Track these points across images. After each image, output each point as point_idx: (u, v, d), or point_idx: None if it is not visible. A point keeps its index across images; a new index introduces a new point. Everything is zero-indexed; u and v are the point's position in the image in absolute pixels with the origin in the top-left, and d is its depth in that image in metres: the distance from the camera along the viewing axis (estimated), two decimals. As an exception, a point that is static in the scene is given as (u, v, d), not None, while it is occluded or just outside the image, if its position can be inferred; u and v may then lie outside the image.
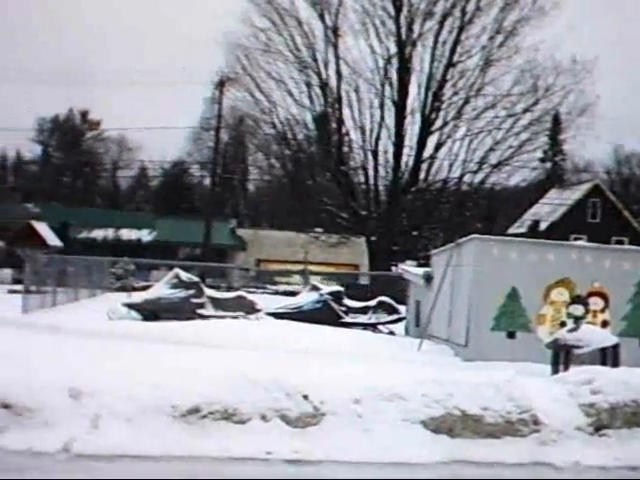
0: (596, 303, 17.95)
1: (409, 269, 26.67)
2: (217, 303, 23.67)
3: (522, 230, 63.21)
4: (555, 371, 13.30)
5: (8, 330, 16.11)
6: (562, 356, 13.63)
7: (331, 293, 24.70)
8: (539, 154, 56.74)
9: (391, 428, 9.21)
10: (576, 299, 17.20)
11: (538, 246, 19.93)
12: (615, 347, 13.65)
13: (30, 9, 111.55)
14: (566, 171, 78.33)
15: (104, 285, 37.82)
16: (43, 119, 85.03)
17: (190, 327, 19.77)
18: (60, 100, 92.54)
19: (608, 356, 13.46)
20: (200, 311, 22.97)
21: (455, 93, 44.99)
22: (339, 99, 45.48)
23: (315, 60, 45.13)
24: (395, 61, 44.65)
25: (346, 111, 45.70)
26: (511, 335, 17.82)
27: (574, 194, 66.46)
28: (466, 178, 45.99)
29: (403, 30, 44.19)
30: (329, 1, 44.80)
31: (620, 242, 56.17)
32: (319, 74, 45.15)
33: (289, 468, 8.40)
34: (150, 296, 23.84)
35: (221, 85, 50.25)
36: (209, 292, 24.55)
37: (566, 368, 12.93)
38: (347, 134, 46.67)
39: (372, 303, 24.91)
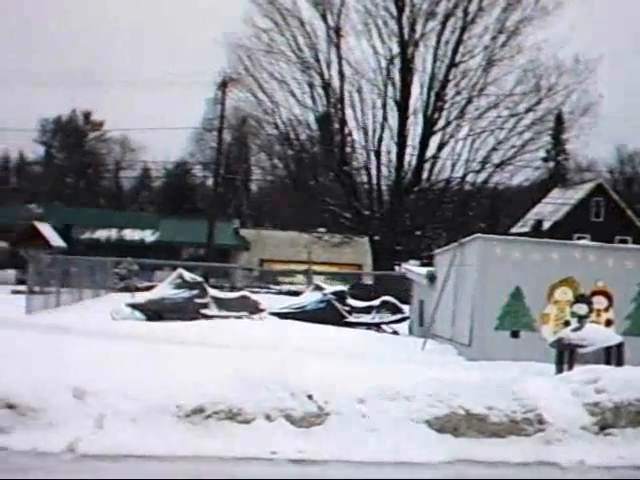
0: (600, 302, 17.93)
1: (412, 269, 26.65)
2: (221, 303, 23.68)
3: (525, 230, 63.19)
4: (559, 370, 13.28)
5: (12, 331, 16.12)
6: (566, 355, 13.61)
7: (334, 293, 24.70)
8: (542, 153, 56.67)
9: (395, 428, 9.21)
10: (580, 298, 17.24)
11: (542, 245, 19.93)
12: (619, 346, 13.64)
13: (32, 10, 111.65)
14: (569, 170, 78.35)
15: (108, 285, 37.83)
16: (46, 120, 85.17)
17: (194, 327, 19.77)
18: (63, 101, 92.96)
19: (612, 355, 13.44)
20: (204, 311, 22.98)
21: (458, 93, 44.96)
22: (342, 99, 45.48)
23: (317, 60, 45.13)
24: (397, 61, 44.62)
25: (349, 111, 45.75)
26: (515, 334, 17.80)
27: (577, 193, 66.46)
28: (469, 178, 45.97)
29: (405, 30, 44.17)
30: (331, 1, 44.79)
31: (623, 241, 56.13)
32: (321, 74, 45.15)
33: (294, 468, 8.39)
34: (154, 296, 23.86)
35: (223, 86, 50.25)
36: (213, 292, 24.57)
37: (570, 367, 12.92)
38: (350, 134, 46.69)
39: (376, 303, 24.90)
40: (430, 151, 45.46)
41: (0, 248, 52.92)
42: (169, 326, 19.99)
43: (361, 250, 50.94)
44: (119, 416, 8.75)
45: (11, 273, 44.63)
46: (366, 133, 45.23)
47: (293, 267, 51.54)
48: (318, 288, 25.36)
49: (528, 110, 44.54)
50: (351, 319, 23.94)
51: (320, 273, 44.93)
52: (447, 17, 44.10)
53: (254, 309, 23.59)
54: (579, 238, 45.91)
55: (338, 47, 44.90)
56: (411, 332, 24.01)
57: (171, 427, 8.79)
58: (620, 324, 17.71)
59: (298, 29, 44.94)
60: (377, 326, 24.26)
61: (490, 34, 44.19)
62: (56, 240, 44.86)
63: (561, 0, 43.44)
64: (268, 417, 9.07)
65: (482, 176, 45.92)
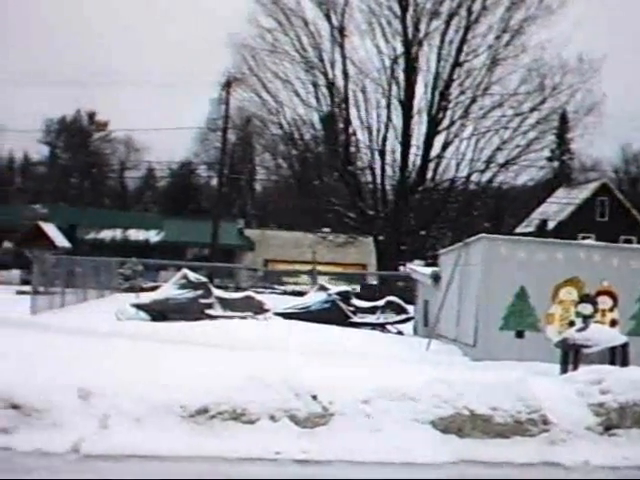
0: (605, 302, 17.91)
1: (417, 269, 26.65)
2: (225, 303, 23.69)
3: (530, 229, 63.10)
4: (564, 370, 13.27)
5: (17, 331, 16.15)
6: (571, 355, 13.60)
7: (339, 293, 24.71)
8: (546, 153, 56.65)
9: (400, 428, 9.20)
10: (585, 298, 17.21)
11: (546, 245, 19.91)
12: (624, 346, 13.62)
13: (38, 11, 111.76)
14: (574, 170, 78.29)
15: (112, 286, 37.89)
16: (50, 120, 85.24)
17: (198, 327, 19.80)
18: (67, 101, 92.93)
19: (617, 355, 13.42)
20: (208, 311, 22.99)
21: (462, 92, 44.92)
22: (346, 99, 45.45)
23: (322, 60, 45.12)
24: (402, 61, 44.60)
25: (353, 111, 45.71)
26: (520, 334, 17.78)
27: (582, 193, 66.35)
28: (473, 177, 45.92)
29: (409, 30, 44.15)
30: (335, 1, 44.79)
31: (628, 241, 56.04)
32: (326, 74, 45.14)
33: (298, 468, 8.39)
34: (158, 296, 23.88)
35: (228, 86, 50.23)
36: (217, 292, 24.58)
37: (575, 367, 12.90)
38: (354, 134, 46.65)
39: (380, 303, 24.91)
40: (434, 151, 45.46)
41: (5, 248, 53.07)
42: (173, 326, 20.03)
43: (365, 250, 50.94)
44: (123, 416, 8.75)
45: (16, 273, 44.73)
46: (370, 133, 45.26)
47: (297, 267, 51.57)
48: (322, 288, 25.38)
49: (532, 109, 44.52)
50: (356, 319, 23.95)
51: (325, 273, 44.99)
52: (451, 16, 44.07)
53: (259, 309, 23.59)
54: (584, 238, 45.85)
55: (342, 47, 44.90)
56: (416, 332, 24.00)
57: (175, 427, 8.79)
58: (625, 324, 17.69)
59: (302, 29, 44.98)
60: (382, 326, 24.26)
61: (494, 33, 44.21)
62: (61, 240, 44.85)
63: (565, -1, 43.43)
64: (272, 417, 9.06)
65: (486, 176, 45.94)
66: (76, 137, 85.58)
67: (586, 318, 15.02)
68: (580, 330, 14.02)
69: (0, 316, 20.36)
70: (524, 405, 9.57)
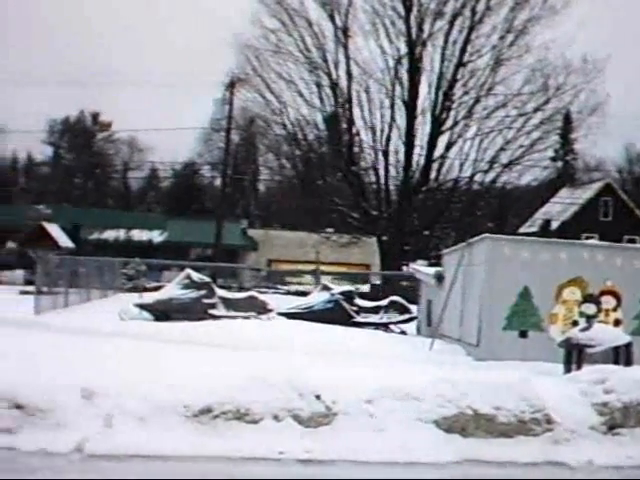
0: (608, 302, 17.88)
1: (420, 269, 26.63)
2: (228, 303, 23.69)
3: (533, 229, 63.09)
4: (568, 370, 13.27)
5: (20, 331, 16.17)
6: (575, 355, 13.60)
7: (342, 293, 24.70)
8: (550, 153, 56.57)
9: (403, 428, 9.20)
10: (588, 298, 17.18)
11: (550, 245, 19.88)
12: (628, 346, 13.61)
13: (41, 11, 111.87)
14: (577, 170, 78.23)
15: (116, 286, 37.91)
16: (54, 121, 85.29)
17: (202, 327, 19.81)
18: (71, 102, 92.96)
19: (621, 355, 13.42)
20: (211, 311, 22.99)
21: (466, 93, 44.90)
22: (349, 99, 45.44)
23: (325, 60, 45.11)
24: (405, 61, 44.58)
25: (356, 111, 45.69)
26: (523, 334, 17.76)
27: (585, 193, 66.34)
28: (477, 177, 45.90)
29: (413, 30, 44.12)
30: (339, 1, 44.77)
31: (632, 240, 56.06)
32: (329, 74, 45.14)
33: (301, 468, 8.39)
34: (162, 296, 23.88)
35: (231, 86, 50.24)
36: (220, 292, 24.58)
37: (579, 367, 12.90)
38: (358, 134, 46.63)
39: (384, 303, 24.89)
40: (438, 151, 45.44)
41: (8, 249, 53.09)
42: (177, 326, 20.03)
43: (369, 250, 50.92)
44: (127, 416, 8.75)
45: (19, 273, 44.74)
46: (374, 133, 45.22)
47: (301, 267, 51.56)
48: (326, 288, 25.37)
49: (536, 110, 44.48)
50: (359, 319, 23.94)
51: (328, 273, 44.96)
52: (455, 17, 44.05)
53: (262, 309, 23.59)
54: (587, 238, 45.79)
55: (346, 47, 44.89)
56: (419, 332, 24.00)
57: (179, 427, 8.79)
58: (628, 324, 17.66)
59: (306, 29, 44.97)
60: (385, 326, 24.25)
61: (498, 33, 44.17)
62: (64, 240, 44.88)
63: (569, -1, 43.40)
64: (276, 417, 9.06)
65: (490, 176, 45.91)
66: (80, 137, 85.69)
67: (590, 318, 15.02)
68: (584, 330, 14.02)
69: (4, 316, 20.39)
70: (528, 405, 9.57)
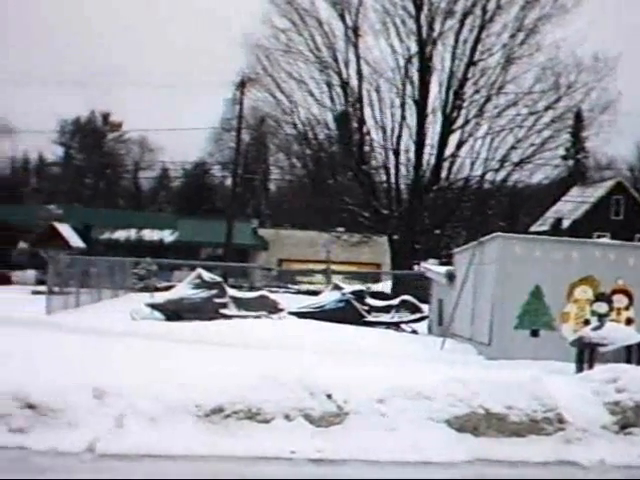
0: (620, 301, 17.84)
1: (431, 268, 26.62)
2: (240, 303, 23.72)
3: (545, 228, 62.91)
4: (579, 369, 13.23)
5: (32, 331, 16.19)
6: (586, 354, 13.56)
7: (353, 292, 24.70)
8: (561, 152, 56.28)
9: (415, 427, 9.18)
10: (600, 297, 17.17)
11: (561, 244, 19.84)
12: (640, 345, 13.57)
13: (51, 13, 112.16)
14: (589, 168, 78.02)
15: (127, 285, 37.99)
16: (65, 121, 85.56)
17: (213, 327, 19.82)
18: (82, 102, 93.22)
19: (633, 354, 13.38)
20: (223, 311, 23.02)
21: (476, 91, 44.76)
22: (360, 99, 45.35)
23: (336, 60, 45.04)
24: (416, 60, 44.47)
25: (367, 110, 45.56)
26: (535, 333, 17.74)
27: (597, 191, 66.12)
28: (488, 176, 45.76)
29: (424, 29, 44.01)
30: (349, 1, 44.67)
31: (644, 239, 55.82)
32: (340, 74, 45.08)
33: (313, 467, 8.38)
34: (173, 296, 23.92)
35: (242, 86, 50.25)
36: (231, 292, 24.61)
37: (591, 366, 12.86)
38: (368, 133, 46.54)
39: (395, 302, 24.88)
40: (449, 150, 45.31)
41: (20, 249, 53.25)
42: (188, 326, 20.05)
43: (380, 249, 50.89)
44: (138, 416, 8.76)
45: (31, 273, 44.92)
46: (385, 132, 45.14)
47: (312, 267, 51.63)
48: (337, 287, 25.38)
49: (547, 108, 44.34)
50: (370, 318, 23.93)
51: (339, 272, 45.00)
52: (465, 15, 43.93)
53: (273, 309, 23.61)
54: (599, 236, 45.76)
55: (356, 46, 44.81)
56: (430, 331, 23.98)
57: (190, 427, 8.80)
58: (641, 323, 17.62)
59: (316, 29, 44.89)
60: (396, 325, 24.23)
61: (509, 32, 44.01)
62: (75, 240, 45.04)
63: (579, -3, 43.27)
64: (287, 417, 9.06)
65: (501, 174, 45.74)
66: (90, 138, 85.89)
67: (601, 317, 15.02)
68: (595, 329, 13.98)
69: (16, 316, 20.46)
70: (539, 404, 9.55)
